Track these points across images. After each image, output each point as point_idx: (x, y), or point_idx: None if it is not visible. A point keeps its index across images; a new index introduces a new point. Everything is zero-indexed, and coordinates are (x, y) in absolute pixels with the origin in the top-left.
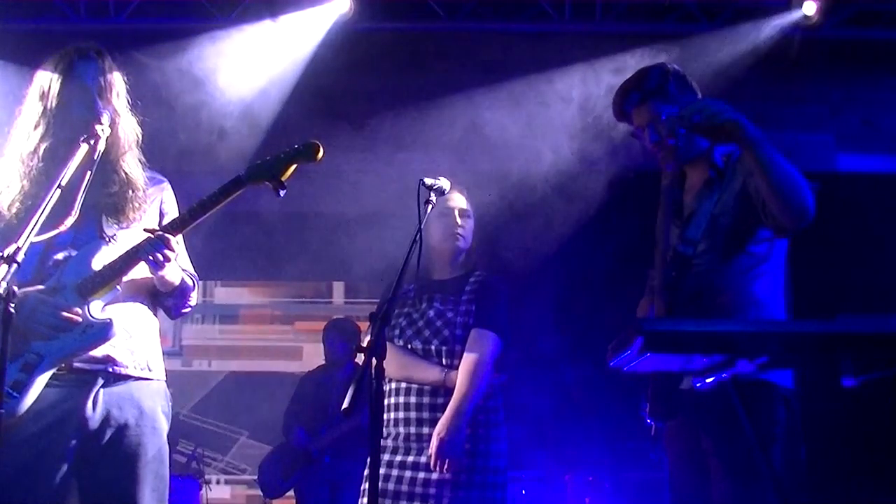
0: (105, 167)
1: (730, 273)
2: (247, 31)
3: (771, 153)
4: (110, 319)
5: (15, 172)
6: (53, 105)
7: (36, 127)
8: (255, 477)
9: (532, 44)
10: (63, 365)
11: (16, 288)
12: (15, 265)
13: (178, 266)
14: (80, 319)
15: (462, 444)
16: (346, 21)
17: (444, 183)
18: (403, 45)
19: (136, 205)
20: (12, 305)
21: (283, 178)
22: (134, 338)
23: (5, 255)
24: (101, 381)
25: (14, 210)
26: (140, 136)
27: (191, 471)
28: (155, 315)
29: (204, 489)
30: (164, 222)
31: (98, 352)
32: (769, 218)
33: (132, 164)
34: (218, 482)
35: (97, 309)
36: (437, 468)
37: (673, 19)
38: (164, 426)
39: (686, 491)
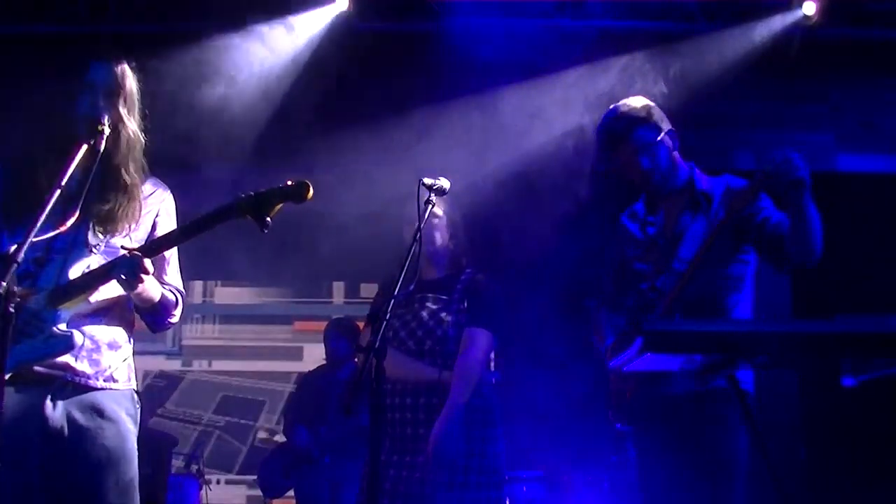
0: (105, 173)
1: (714, 291)
2: (247, 30)
3: (814, 209)
4: (72, 332)
5: (18, 167)
6: (62, 102)
7: (44, 122)
8: (255, 477)
9: (532, 43)
10: (23, 371)
11: (16, 288)
12: (15, 265)
13: (156, 283)
14: (44, 327)
15: (457, 444)
16: (346, 20)
17: (444, 183)
18: (403, 45)
19: (129, 214)
20: (12, 306)
21: (270, 216)
22: (100, 349)
23: (5, 255)
24: (59, 384)
25: (12, 206)
26: (143, 145)
27: (191, 471)
28: (130, 327)
29: (204, 489)
30: (157, 233)
31: (59, 360)
32: (780, 257)
33: (133, 173)
34: (218, 482)
35: (64, 318)
36: (434, 470)
37: (673, 19)
38: (131, 428)
39: (661, 492)
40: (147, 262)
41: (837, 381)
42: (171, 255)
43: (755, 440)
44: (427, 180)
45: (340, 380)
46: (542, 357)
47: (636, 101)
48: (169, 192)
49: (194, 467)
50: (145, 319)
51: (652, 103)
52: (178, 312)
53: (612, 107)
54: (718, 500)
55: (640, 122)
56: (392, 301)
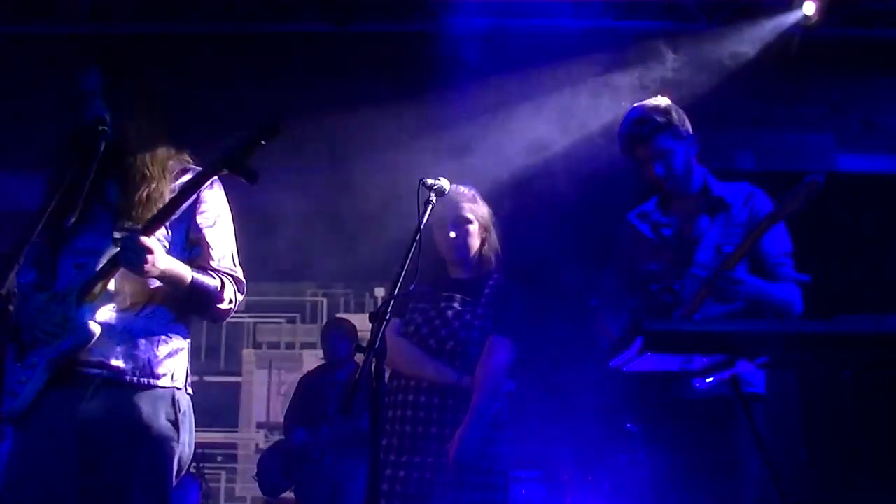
0: (123, 169)
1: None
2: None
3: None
4: (87, 321)
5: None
6: (69, 121)
7: (59, 140)
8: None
9: (531, 43)
10: (61, 369)
11: (16, 289)
12: (15, 265)
13: (175, 263)
14: (68, 324)
15: (481, 445)
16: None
17: (444, 183)
18: (403, 45)
19: (153, 206)
20: (11, 306)
21: (250, 165)
22: (137, 343)
23: (6, 256)
24: (97, 385)
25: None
26: (163, 136)
27: (191, 471)
28: (177, 320)
29: (204, 489)
30: (198, 221)
31: (94, 356)
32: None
33: (151, 165)
34: (218, 482)
35: (88, 313)
36: (444, 472)
37: (673, 19)
38: (168, 433)
39: (671, 493)
40: (147, 240)
41: (837, 381)
42: (215, 239)
43: (756, 441)
44: (428, 180)
45: (341, 380)
46: (541, 356)
47: (659, 104)
48: (215, 187)
49: (194, 467)
50: (191, 308)
51: (674, 106)
52: (229, 297)
53: (634, 107)
54: (725, 501)
55: (661, 128)
56: (390, 301)
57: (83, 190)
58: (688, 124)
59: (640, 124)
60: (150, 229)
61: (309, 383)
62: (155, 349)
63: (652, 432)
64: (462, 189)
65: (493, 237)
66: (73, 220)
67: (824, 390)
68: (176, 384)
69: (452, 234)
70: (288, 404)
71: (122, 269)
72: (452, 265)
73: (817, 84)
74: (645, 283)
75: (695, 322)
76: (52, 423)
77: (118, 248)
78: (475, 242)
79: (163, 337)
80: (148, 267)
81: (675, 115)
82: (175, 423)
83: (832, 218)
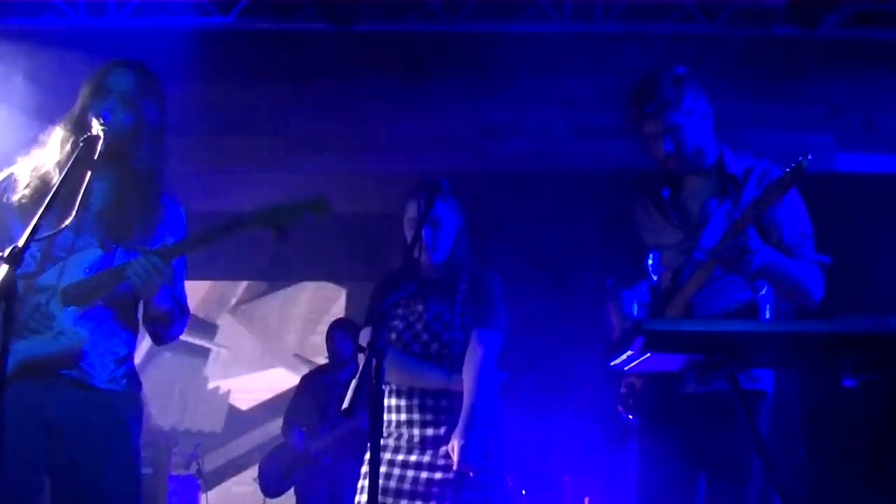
0: (116, 172)
1: (726, 286)
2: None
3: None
4: (82, 331)
5: (33, 170)
6: (77, 108)
7: (61, 128)
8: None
9: (532, 44)
10: (28, 366)
11: (24, 282)
12: (16, 265)
13: (168, 292)
14: (52, 324)
15: (481, 447)
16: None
17: (442, 183)
18: (403, 46)
19: (143, 216)
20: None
21: (287, 227)
22: (105, 351)
23: (6, 255)
24: (63, 382)
25: (21, 206)
26: (164, 157)
27: (191, 471)
28: (134, 333)
29: (204, 489)
30: (163, 245)
31: (66, 359)
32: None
33: (150, 180)
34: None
35: (73, 316)
36: (460, 474)
37: (673, 19)
38: (133, 430)
39: (663, 490)
40: (162, 264)
41: (837, 381)
42: (181, 268)
43: (754, 440)
44: (425, 181)
45: (343, 380)
46: (540, 356)
47: (670, 74)
48: (180, 206)
49: (194, 467)
50: (152, 329)
51: (686, 75)
52: (181, 325)
53: (643, 79)
54: (730, 501)
55: (670, 104)
56: (390, 301)
57: (73, 188)
58: (701, 96)
59: (648, 99)
60: (167, 256)
61: (311, 383)
62: (119, 355)
63: (648, 427)
64: (435, 185)
65: (466, 239)
66: (60, 215)
67: (824, 390)
68: (134, 389)
69: (421, 235)
70: (289, 404)
71: (106, 278)
72: (427, 265)
73: (817, 84)
74: (655, 265)
75: (695, 322)
76: (19, 420)
77: (129, 262)
78: (448, 242)
79: (126, 348)
80: (153, 292)
81: (686, 86)
82: (137, 422)
83: (832, 218)
